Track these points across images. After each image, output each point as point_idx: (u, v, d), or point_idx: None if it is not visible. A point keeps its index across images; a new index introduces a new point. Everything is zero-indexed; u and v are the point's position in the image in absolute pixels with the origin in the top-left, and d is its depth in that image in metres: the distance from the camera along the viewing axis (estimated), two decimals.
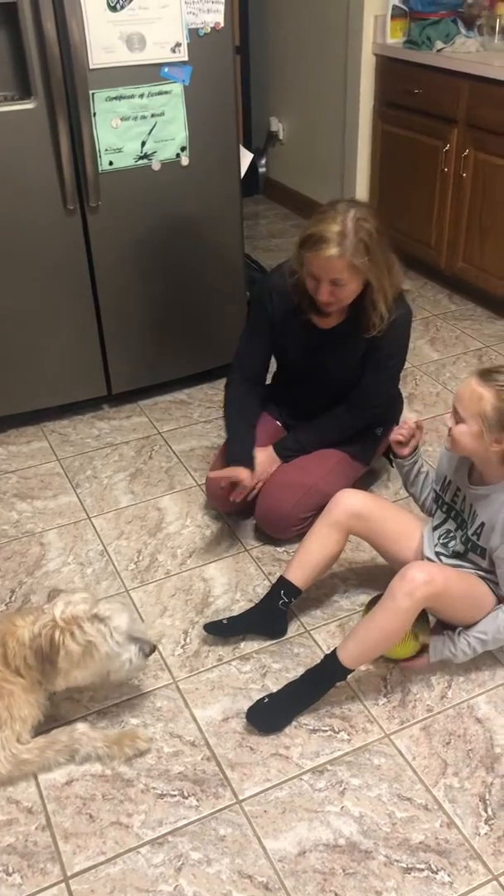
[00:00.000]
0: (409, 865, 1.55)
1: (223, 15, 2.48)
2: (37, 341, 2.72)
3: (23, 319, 2.67)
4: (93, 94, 2.40)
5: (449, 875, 1.53)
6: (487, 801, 1.65)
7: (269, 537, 2.33)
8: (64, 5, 2.26)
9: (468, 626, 1.83)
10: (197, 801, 1.67)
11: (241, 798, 1.68)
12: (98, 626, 1.69)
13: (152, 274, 2.78)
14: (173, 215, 2.71)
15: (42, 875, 1.55)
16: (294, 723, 1.82)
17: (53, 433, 2.86)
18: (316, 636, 2.03)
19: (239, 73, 2.65)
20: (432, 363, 3.21)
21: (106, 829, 1.63)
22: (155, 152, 2.57)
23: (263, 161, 4.97)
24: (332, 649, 1.80)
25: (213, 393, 3.01)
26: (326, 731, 1.80)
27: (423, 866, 1.55)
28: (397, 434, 1.98)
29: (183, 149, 2.61)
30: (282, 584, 1.99)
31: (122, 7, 2.34)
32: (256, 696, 1.85)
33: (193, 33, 2.46)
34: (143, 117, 2.50)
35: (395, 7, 3.56)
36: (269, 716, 1.81)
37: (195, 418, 2.91)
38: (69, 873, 1.55)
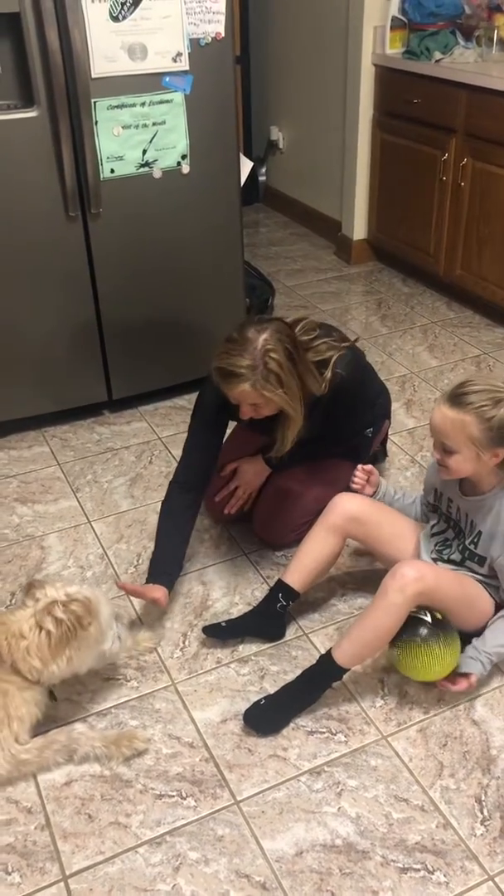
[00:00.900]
0: (406, 866, 1.56)
1: (224, 25, 2.51)
2: (38, 347, 2.74)
3: (24, 325, 2.69)
4: (95, 102, 2.43)
5: (445, 875, 1.54)
6: (483, 803, 1.67)
7: None
8: (67, 15, 2.29)
9: (478, 636, 1.85)
10: (195, 801, 1.68)
11: (238, 799, 1.69)
12: (92, 603, 1.74)
13: (153, 280, 2.80)
14: (174, 223, 2.74)
15: (41, 874, 1.56)
16: (292, 724, 1.83)
17: (54, 438, 2.88)
18: (314, 639, 2.05)
19: (239, 82, 2.67)
20: (430, 370, 3.23)
21: (104, 828, 1.64)
22: (156, 160, 2.60)
23: (263, 170, 5.01)
24: (327, 650, 1.82)
25: None
26: (324, 732, 1.81)
27: (419, 867, 1.56)
28: (354, 484, 2.02)
29: (184, 157, 2.64)
30: (280, 588, 2.01)
31: (125, 17, 2.37)
32: (255, 699, 1.87)
33: (195, 43, 2.49)
34: (145, 126, 2.53)
35: (394, 18, 3.60)
36: (267, 718, 1.82)
37: None
38: (68, 872, 1.57)
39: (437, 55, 3.44)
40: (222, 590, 2.21)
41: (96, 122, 2.46)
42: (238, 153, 2.79)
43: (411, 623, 1.78)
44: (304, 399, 1.94)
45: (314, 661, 1.86)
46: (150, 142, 2.57)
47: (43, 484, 2.65)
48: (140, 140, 2.55)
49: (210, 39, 2.52)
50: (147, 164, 2.60)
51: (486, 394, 1.68)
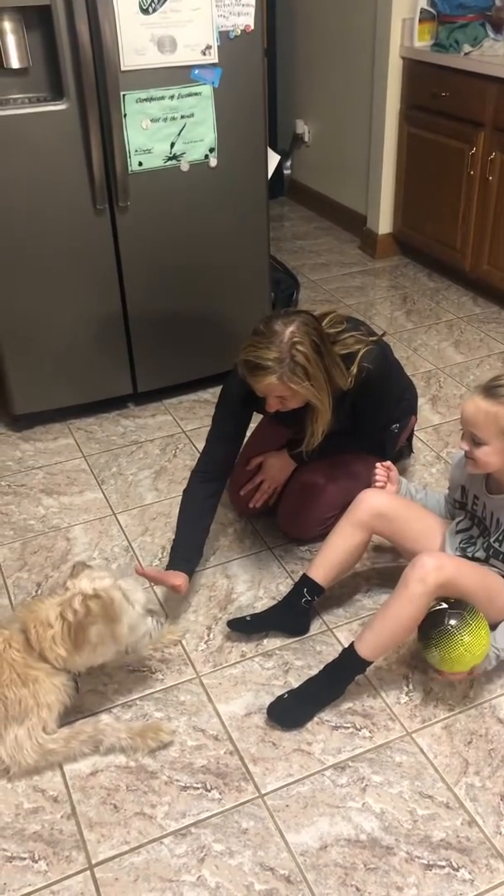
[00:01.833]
0: (431, 862, 1.56)
1: (253, 18, 2.50)
2: (64, 339, 2.76)
3: (51, 317, 2.71)
4: (124, 95, 2.43)
5: (470, 873, 1.54)
6: None
7: None
8: (97, 8, 2.29)
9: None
10: (220, 794, 1.69)
11: (263, 792, 1.69)
12: (125, 595, 1.74)
13: (179, 274, 2.80)
14: (201, 216, 2.73)
15: (67, 863, 1.58)
16: (316, 719, 1.83)
17: (79, 430, 2.90)
18: (338, 634, 2.05)
19: (265, 74, 2.66)
20: (456, 366, 3.21)
21: (130, 819, 1.65)
22: (184, 153, 2.60)
23: (288, 163, 4.99)
24: (350, 643, 1.82)
25: None
26: (348, 727, 1.82)
27: (444, 863, 1.56)
28: (377, 482, 2.01)
29: (211, 150, 2.64)
30: (305, 583, 2.01)
31: (154, 10, 2.37)
32: (278, 692, 1.87)
33: (224, 36, 2.49)
34: (173, 119, 2.53)
35: (423, 10, 3.57)
36: (290, 712, 1.83)
37: None
38: (94, 861, 1.58)
39: (467, 48, 3.41)
40: (246, 583, 2.22)
41: (125, 115, 2.46)
42: (265, 146, 2.78)
43: (436, 617, 1.76)
44: (331, 392, 1.93)
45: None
46: (179, 135, 2.56)
47: (68, 476, 2.67)
48: (168, 133, 2.55)
49: (239, 32, 2.51)
50: (175, 157, 2.60)
51: None
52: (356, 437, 2.19)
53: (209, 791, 1.70)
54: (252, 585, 2.21)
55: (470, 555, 1.90)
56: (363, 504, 1.98)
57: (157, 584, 2.13)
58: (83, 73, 2.36)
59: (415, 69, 3.69)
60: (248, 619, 2.04)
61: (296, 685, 1.88)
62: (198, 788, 1.70)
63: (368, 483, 2.23)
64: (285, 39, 4.71)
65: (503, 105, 3.24)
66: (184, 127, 2.56)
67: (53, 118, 2.43)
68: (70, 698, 1.76)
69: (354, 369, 1.98)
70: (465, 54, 3.40)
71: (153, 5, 2.36)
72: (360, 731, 1.81)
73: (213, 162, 2.66)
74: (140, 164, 2.56)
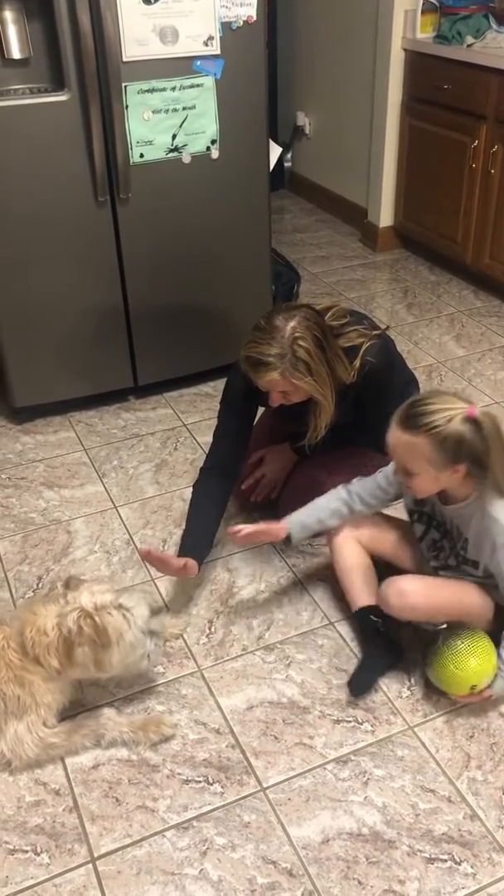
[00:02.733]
0: (433, 856, 1.56)
1: (255, 8, 2.49)
2: (65, 332, 2.75)
3: (51, 310, 2.69)
4: (125, 86, 2.42)
5: (472, 866, 1.54)
6: None
7: None
8: None
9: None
10: (222, 787, 1.69)
11: (265, 786, 1.69)
12: (125, 615, 1.69)
13: (180, 266, 2.79)
14: (202, 208, 2.72)
15: (69, 855, 1.58)
16: (317, 712, 1.84)
17: (80, 423, 2.89)
18: (340, 628, 2.05)
19: (267, 66, 2.65)
20: (458, 359, 3.20)
21: (132, 812, 1.65)
22: (185, 145, 2.59)
23: (289, 156, 4.97)
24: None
25: None
26: (350, 721, 1.82)
27: (446, 857, 1.56)
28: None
29: (213, 142, 2.62)
30: (362, 614, 1.96)
31: (156, 0, 2.35)
32: (280, 686, 1.88)
33: (226, 27, 2.47)
34: (175, 110, 2.52)
35: (425, 2, 3.55)
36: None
37: None
38: (96, 855, 1.58)
39: (469, 40, 3.39)
40: (248, 577, 2.22)
41: (126, 107, 2.45)
42: (267, 138, 2.77)
43: (436, 637, 1.81)
44: (334, 386, 1.93)
45: (341, 649, 1.86)
46: (180, 126, 2.55)
47: (69, 469, 2.66)
48: (170, 125, 2.53)
49: (242, 23, 2.49)
50: (176, 148, 2.58)
51: (437, 413, 1.61)
52: (358, 430, 2.18)
53: (211, 784, 1.70)
54: (254, 579, 2.21)
55: (443, 562, 1.88)
56: (343, 551, 1.99)
57: (162, 571, 2.09)
58: (84, 64, 2.35)
59: (417, 61, 3.68)
60: (361, 676, 1.91)
61: (297, 679, 1.89)
62: (200, 782, 1.70)
63: (369, 475, 2.23)
64: (286, 31, 4.69)
65: None
66: (185, 118, 2.55)
67: (54, 109, 2.41)
68: (68, 699, 1.75)
69: (357, 363, 1.98)
70: (468, 46, 3.38)
71: None
72: (361, 724, 1.81)
73: (214, 154, 2.64)
74: (141, 155, 2.54)
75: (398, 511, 2.03)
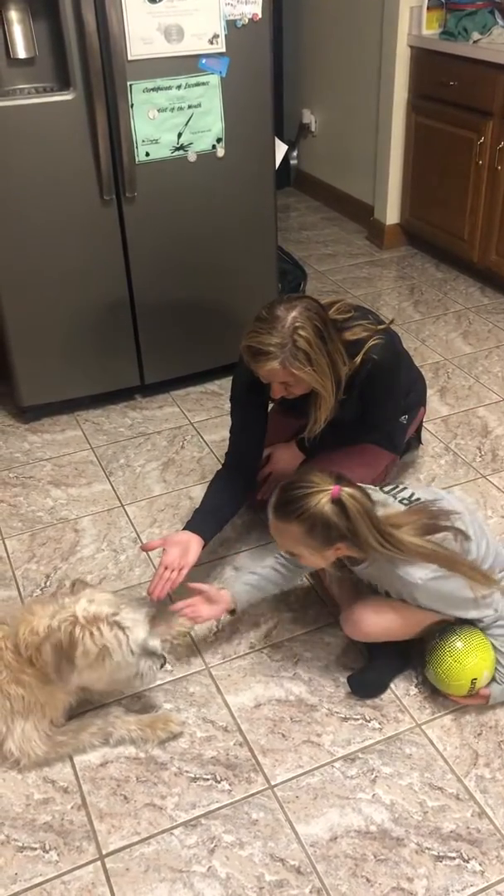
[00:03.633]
0: (441, 854, 1.56)
1: (261, 6, 2.48)
2: (71, 331, 2.75)
3: (58, 309, 2.70)
4: (131, 85, 2.42)
5: (480, 864, 1.54)
6: None
7: None
8: None
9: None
10: (229, 785, 1.69)
11: (273, 783, 1.69)
12: (116, 633, 1.61)
13: (186, 265, 2.79)
14: (208, 206, 2.72)
15: (78, 853, 1.58)
16: (325, 710, 1.83)
17: (87, 422, 2.90)
18: None
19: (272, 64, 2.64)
20: (465, 356, 3.20)
21: (140, 810, 1.65)
22: (191, 144, 2.59)
23: (295, 153, 4.97)
24: None
25: None
26: (358, 719, 1.82)
27: (454, 855, 1.56)
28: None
29: (219, 140, 2.62)
30: None
31: None
32: (288, 684, 1.88)
33: (231, 25, 2.47)
34: (180, 109, 2.52)
35: None
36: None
37: (226, 409, 2.91)
38: (104, 852, 1.58)
39: (475, 36, 3.38)
40: None
41: (132, 105, 2.45)
42: (273, 136, 2.76)
43: (431, 635, 1.82)
44: (335, 378, 1.92)
45: (348, 648, 1.85)
46: (186, 125, 2.55)
47: (76, 467, 2.67)
48: (175, 123, 2.53)
49: (247, 21, 2.49)
50: (182, 147, 2.58)
51: (305, 499, 1.61)
52: (365, 428, 2.18)
53: (219, 782, 1.70)
54: None
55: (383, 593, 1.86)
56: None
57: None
58: (90, 63, 2.35)
59: (423, 58, 3.67)
60: (365, 676, 1.91)
61: (305, 677, 1.89)
62: (207, 780, 1.71)
63: (377, 473, 2.23)
64: (292, 28, 4.68)
65: None
66: (191, 117, 2.55)
67: (60, 108, 2.41)
68: (76, 697, 1.75)
69: (359, 357, 1.97)
70: (474, 42, 3.37)
71: None
72: (369, 722, 1.81)
73: (220, 152, 2.64)
74: (147, 154, 2.54)
75: None
